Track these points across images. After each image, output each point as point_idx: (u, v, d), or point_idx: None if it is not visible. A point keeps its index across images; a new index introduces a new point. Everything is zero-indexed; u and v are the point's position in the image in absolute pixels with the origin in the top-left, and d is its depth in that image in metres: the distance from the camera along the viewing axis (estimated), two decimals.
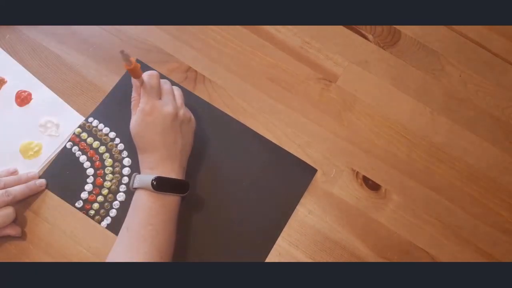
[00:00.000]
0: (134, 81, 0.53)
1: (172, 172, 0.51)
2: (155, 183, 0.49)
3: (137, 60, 0.63)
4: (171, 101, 0.53)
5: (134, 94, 0.54)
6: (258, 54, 0.65)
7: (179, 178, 0.52)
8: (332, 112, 0.63)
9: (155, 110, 0.51)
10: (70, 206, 0.56)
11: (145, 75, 0.52)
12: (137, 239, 0.48)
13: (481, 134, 0.63)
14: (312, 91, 0.64)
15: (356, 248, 0.57)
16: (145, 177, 0.50)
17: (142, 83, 0.52)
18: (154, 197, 0.49)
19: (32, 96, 0.60)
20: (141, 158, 0.53)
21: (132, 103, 0.53)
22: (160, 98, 0.53)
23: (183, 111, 0.54)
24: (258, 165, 0.59)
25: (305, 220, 0.57)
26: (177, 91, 0.56)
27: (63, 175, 0.57)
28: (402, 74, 0.65)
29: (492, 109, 0.64)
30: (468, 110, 0.64)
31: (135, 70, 0.50)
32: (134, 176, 0.51)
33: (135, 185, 0.50)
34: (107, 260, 0.48)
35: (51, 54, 0.62)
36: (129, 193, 0.56)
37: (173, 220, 0.51)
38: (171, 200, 0.51)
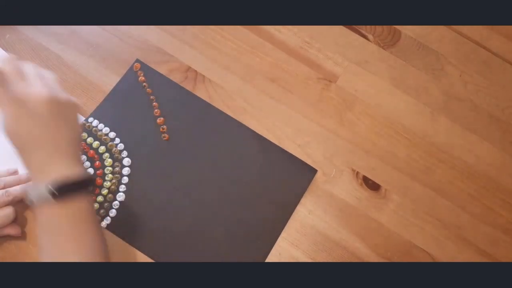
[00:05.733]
0: None
1: (67, 168, 0.43)
2: (53, 189, 0.40)
3: (137, 60, 0.63)
4: (39, 82, 0.44)
5: None
6: (258, 54, 0.65)
7: (77, 173, 0.43)
8: (332, 112, 0.63)
9: (23, 98, 0.42)
10: None
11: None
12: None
13: (481, 134, 0.63)
14: (312, 91, 0.64)
15: (356, 248, 0.57)
16: (38, 188, 0.41)
17: None
18: (59, 209, 0.42)
19: None
20: (24, 162, 0.43)
21: None
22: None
23: (59, 93, 0.45)
24: (258, 165, 0.59)
25: (305, 220, 0.57)
26: (49, 74, 0.47)
27: None
28: (402, 74, 0.65)
29: (492, 109, 0.64)
30: (468, 110, 0.64)
31: None
32: (27, 190, 0.43)
33: (32, 200, 0.42)
34: None
35: (51, 54, 0.62)
36: (129, 193, 0.56)
37: (92, 227, 0.44)
38: (80, 206, 0.43)
